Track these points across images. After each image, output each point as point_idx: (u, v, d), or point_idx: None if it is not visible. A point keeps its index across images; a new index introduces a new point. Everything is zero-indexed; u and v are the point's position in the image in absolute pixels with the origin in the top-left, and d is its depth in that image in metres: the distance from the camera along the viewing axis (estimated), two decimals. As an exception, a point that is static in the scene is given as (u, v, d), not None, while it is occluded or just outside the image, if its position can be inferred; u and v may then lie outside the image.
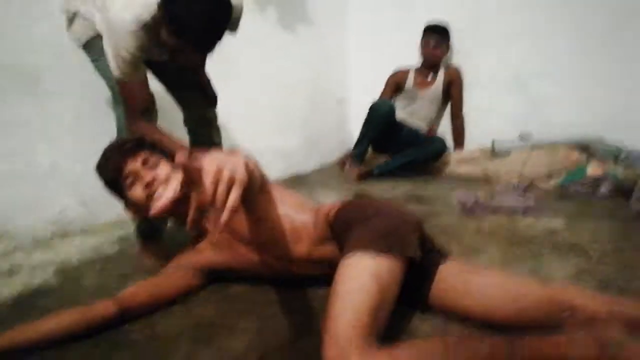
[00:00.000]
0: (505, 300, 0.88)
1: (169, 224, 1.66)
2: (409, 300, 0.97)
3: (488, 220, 1.76)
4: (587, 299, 0.84)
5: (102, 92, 1.56)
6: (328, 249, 1.07)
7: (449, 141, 3.24)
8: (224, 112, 1.88)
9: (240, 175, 0.69)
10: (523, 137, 2.77)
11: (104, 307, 1.00)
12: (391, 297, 0.82)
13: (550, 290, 0.88)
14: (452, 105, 3.13)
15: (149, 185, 1.10)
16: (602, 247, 1.40)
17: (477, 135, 3.07)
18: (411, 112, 3.01)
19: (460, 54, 3.22)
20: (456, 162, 2.85)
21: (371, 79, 3.49)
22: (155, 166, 1.13)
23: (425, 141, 2.88)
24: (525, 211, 1.83)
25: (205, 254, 1.18)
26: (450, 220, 1.78)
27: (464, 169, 2.78)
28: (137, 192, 1.12)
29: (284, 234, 1.08)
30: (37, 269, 1.45)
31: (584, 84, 2.82)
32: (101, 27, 1.35)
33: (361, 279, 0.79)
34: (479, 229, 1.65)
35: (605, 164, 2.30)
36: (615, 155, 2.37)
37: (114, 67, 1.32)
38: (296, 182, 2.78)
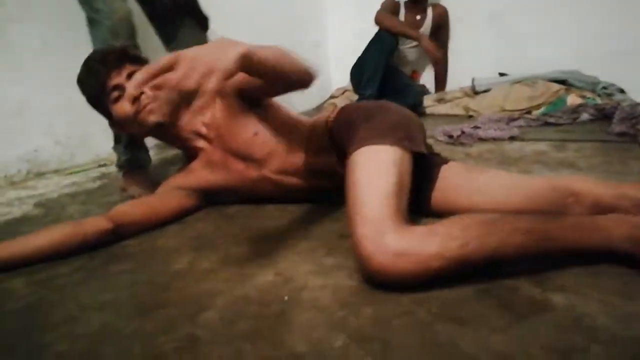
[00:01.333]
0: (510, 192, 0.87)
1: (152, 160, 1.59)
2: (412, 205, 0.96)
3: (475, 146, 1.77)
4: (590, 184, 0.84)
5: (72, 14, 1.44)
6: (327, 160, 1.05)
7: (430, 85, 3.23)
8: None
9: (224, 64, 0.64)
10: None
11: (97, 222, 0.95)
12: (407, 187, 0.80)
13: (553, 179, 0.88)
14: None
15: (137, 99, 1.03)
16: (589, 161, 1.43)
17: (456, 75, 3.06)
18: (398, 56, 2.85)
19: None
20: (437, 101, 2.84)
21: (348, 21, 3.41)
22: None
23: (401, 91, 2.72)
24: (511, 139, 1.84)
25: (199, 174, 1.14)
26: (438, 148, 1.77)
27: (445, 108, 2.78)
28: (125, 107, 1.04)
29: (281, 147, 1.05)
30: (15, 203, 1.38)
31: (559, 19, 2.82)
32: None
33: (381, 164, 0.77)
34: (468, 154, 1.66)
35: (584, 95, 2.34)
36: (593, 86, 2.41)
37: None
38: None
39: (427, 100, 2.85)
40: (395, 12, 2.94)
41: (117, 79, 1.05)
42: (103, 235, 0.94)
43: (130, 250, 0.94)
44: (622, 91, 2.42)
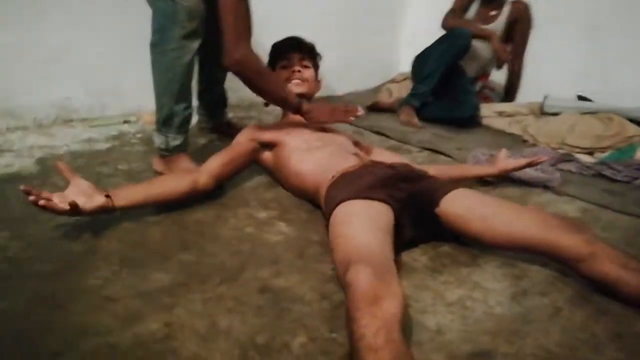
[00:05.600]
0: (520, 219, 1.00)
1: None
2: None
3: (500, 186, 1.59)
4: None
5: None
6: None
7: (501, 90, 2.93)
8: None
9: None
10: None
11: (203, 178, 1.17)
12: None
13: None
14: (513, 45, 2.75)
15: (293, 73, 1.49)
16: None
17: (528, 88, 2.75)
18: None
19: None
20: (498, 113, 2.58)
21: (428, 6, 3.13)
22: (306, 68, 1.52)
23: (456, 100, 2.49)
24: (546, 187, 1.63)
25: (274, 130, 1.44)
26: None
27: (503, 124, 2.52)
28: (283, 74, 1.50)
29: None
30: (24, 153, 1.47)
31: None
32: None
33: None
34: (486, 192, 1.49)
35: (663, 149, 1.99)
36: (680, 140, 2.05)
37: None
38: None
39: (487, 110, 2.59)
40: (468, 5, 2.66)
41: (294, 56, 1.51)
42: (209, 190, 1.20)
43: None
44: None
